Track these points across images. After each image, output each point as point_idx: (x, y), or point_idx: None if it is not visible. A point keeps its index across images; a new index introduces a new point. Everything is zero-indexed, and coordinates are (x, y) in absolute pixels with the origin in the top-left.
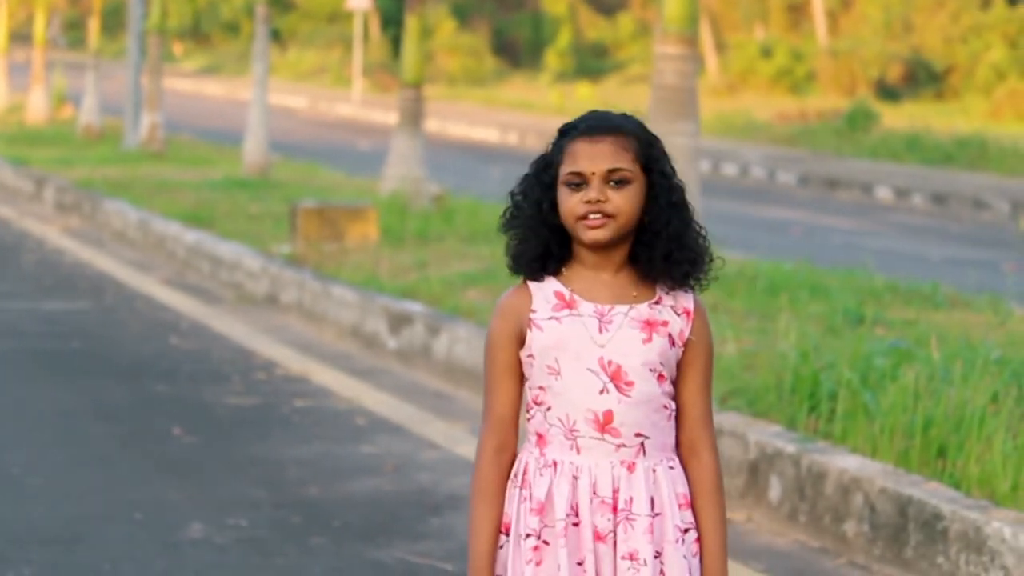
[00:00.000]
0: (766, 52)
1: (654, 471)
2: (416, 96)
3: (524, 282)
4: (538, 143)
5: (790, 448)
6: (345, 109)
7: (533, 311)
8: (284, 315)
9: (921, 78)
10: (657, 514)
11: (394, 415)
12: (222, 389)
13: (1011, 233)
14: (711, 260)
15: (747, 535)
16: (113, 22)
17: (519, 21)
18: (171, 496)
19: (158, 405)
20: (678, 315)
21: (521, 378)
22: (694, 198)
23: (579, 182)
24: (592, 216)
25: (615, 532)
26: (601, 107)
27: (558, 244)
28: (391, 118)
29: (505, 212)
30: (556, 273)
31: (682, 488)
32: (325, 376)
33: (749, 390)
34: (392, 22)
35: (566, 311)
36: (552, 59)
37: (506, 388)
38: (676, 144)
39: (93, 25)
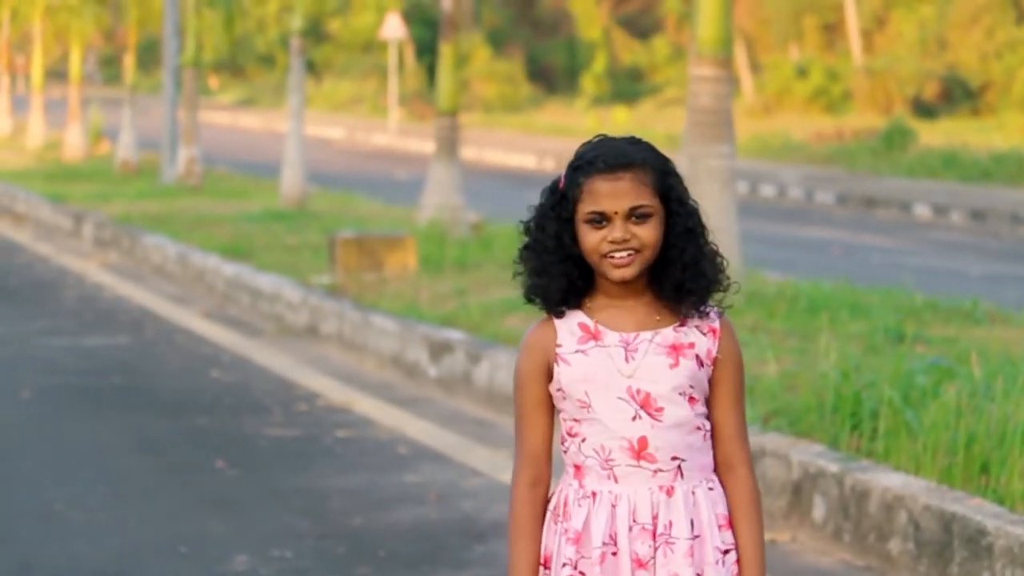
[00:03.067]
0: (801, 72)
1: (693, 493)
2: (452, 124)
3: (548, 316)
4: None
5: (833, 467)
6: (381, 139)
7: (559, 345)
8: (324, 346)
9: (957, 95)
10: (696, 536)
11: (436, 443)
12: (264, 421)
13: None
14: (727, 285)
15: (792, 555)
16: (148, 57)
17: (554, 47)
18: (215, 529)
19: (200, 438)
20: (704, 335)
21: (552, 411)
22: (730, 220)
23: (600, 220)
24: (618, 255)
25: (655, 557)
26: (639, 131)
27: (581, 277)
28: (428, 147)
29: (522, 244)
30: (579, 306)
31: (722, 509)
32: (367, 406)
33: (791, 410)
34: (427, 51)
35: (592, 343)
36: (588, 84)
37: (537, 423)
38: (713, 166)
39: (128, 60)
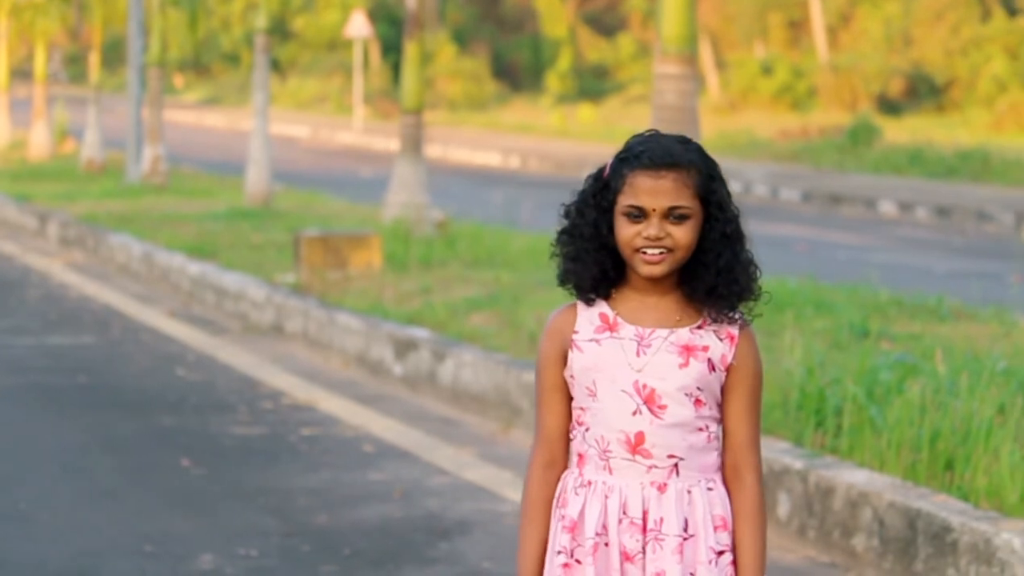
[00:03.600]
0: (766, 69)
1: (689, 492)
2: (417, 122)
3: (574, 302)
4: (540, 167)
5: (798, 464)
6: (346, 137)
7: (576, 332)
8: (290, 344)
9: (922, 92)
10: (691, 535)
11: (401, 441)
12: (229, 419)
13: (1015, 245)
14: (758, 294)
15: None
16: (113, 56)
17: (519, 44)
18: (181, 528)
19: (165, 437)
20: (721, 340)
21: (569, 396)
22: None
23: (638, 215)
24: (650, 251)
25: (644, 552)
26: (604, 129)
27: (614, 268)
28: (393, 145)
29: (560, 228)
30: (607, 296)
31: (720, 510)
32: (332, 404)
33: None
34: (392, 49)
35: (607, 333)
36: (553, 82)
37: (554, 406)
38: None
39: (93, 59)
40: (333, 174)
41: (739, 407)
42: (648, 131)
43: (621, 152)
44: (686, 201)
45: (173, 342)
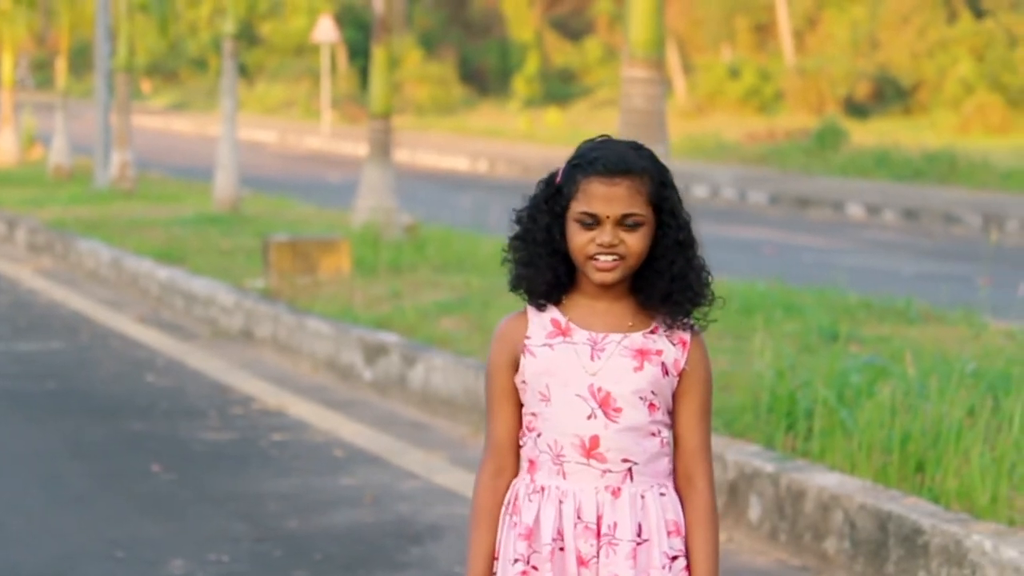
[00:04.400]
0: (733, 73)
1: (643, 497)
2: (385, 127)
3: (525, 308)
4: (508, 171)
5: (769, 467)
6: (314, 142)
7: (528, 337)
8: (259, 349)
9: (889, 94)
10: (644, 540)
11: (372, 446)
12: (199, 425)
13: (983, 246)
14: (712, 299)
15: (728, 555)
16: (80, 62)
17: (486, 49)
18: (151, 533)
19: (135, 443)
20: (673, 345)
21: (518, 403)
22: None
23: (591, 222)
24: (603, 259)
25: (598, 557)
26: (571, 133)
27: (566, 273)
28: (361, 149)
29: (513, 233)
30: (558, 302)
31: (673, 515)
32: (302, 409)
33: (726, 410)
34: (359, 53)
35: (560, 338)
36: (520, 86)
37: (504, 413)
38: None
39: (61, 65)
40: (301, 179)
41: (690, 413)
42: (600, 136)
43: (574, 158)
44: (639, 208)
45: (142, 348)
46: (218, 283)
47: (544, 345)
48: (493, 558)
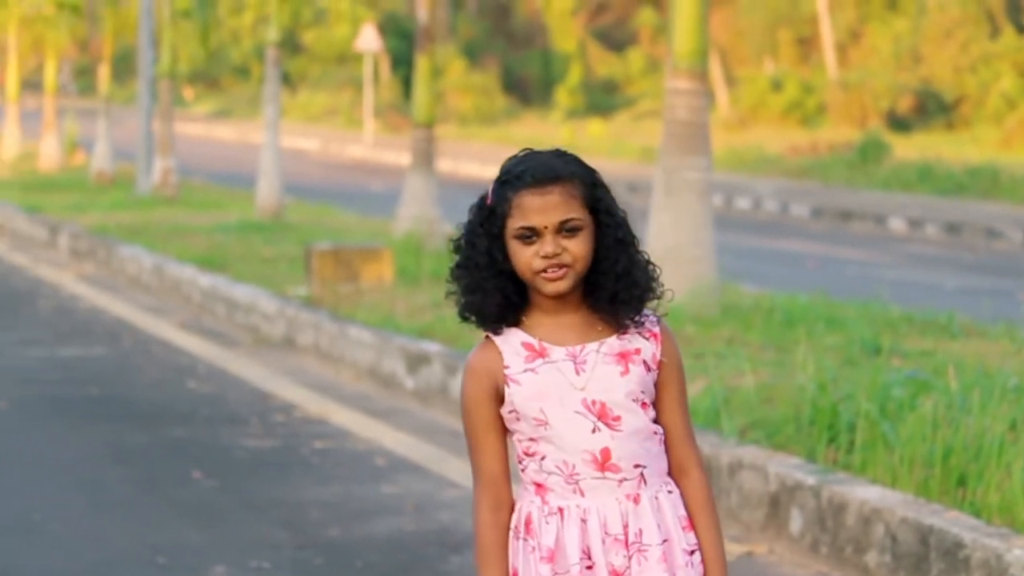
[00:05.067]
0: (776, 85)
1: (657, 498)
2: (428, 136)
3: (487, 338)
4: None
5: (810, 480)
6: (357, 150)
7: (506, 367)
8: (301, 357)
9: (932, 109)
10: (665, 540)
11: (413, 455)
12: (241, 432)
13: None
14: (661, 293)
15: (769, 567)
16: (123, 68)
17: (529, 59)
18: (192, 539)
19: (177, 449)
20: (647, 339)
21: (504, 433)
22: (706, 232)
23: (531, 235)
24: (551, 270)
25: (629, 567)
26: (614, 144)
27: (516, 293)
28: (403, 159)
29: (454, 263)
30: (517, 323)
31: (682, 511)
32: (344, 417)
33: (768, 423)
34: (402, 63)
35: (539, 360)
36: (562, 96)
37: (492, 446)
38: (689, 179)
39: (103, 71)
40: (343, 187)
41: (672, 401)
42: (522, 151)
43: (501, 175)
44: (576, 213)
45: (184, 354)
46: (260, 290)
47: (526, 371)
48: None
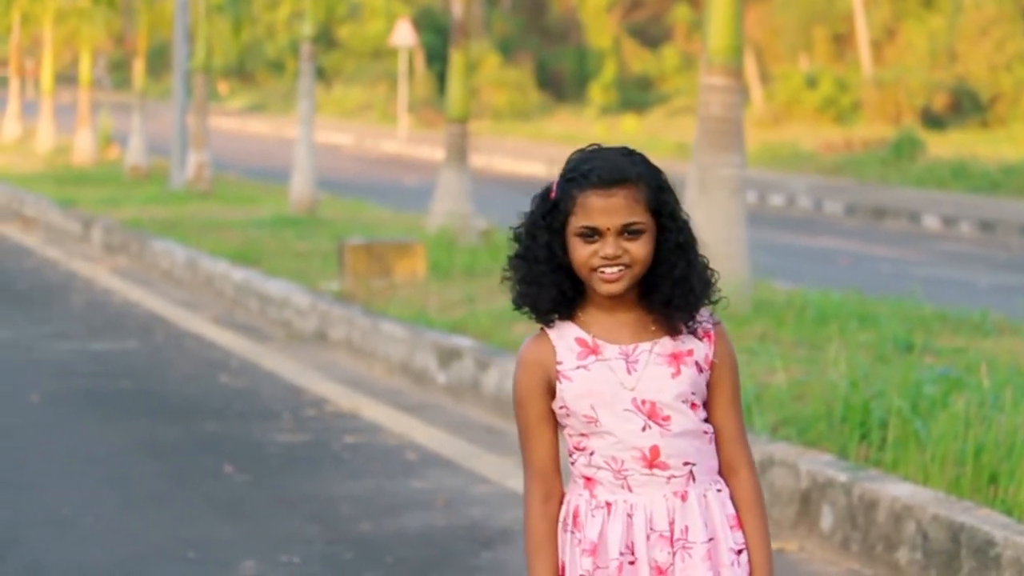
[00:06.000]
0: (811, 82)
1: (705, 496)
2: (462, 131)
3: (542, 331)
4: None
5: (842, 477)
6: (391, 145)
7: (559, 363)
8: (333, 352)
9: (966, 106)
10: (711, 539)
11: (445, 450)
12: (272, 426)
13: None
14: (716, 299)
15: (800, 564)
16: (158, 62)
17: (563, 55)
18: (224, 534)
19: (209, 443)
20: (700, 340)
21: (555, 424)
22: (740, 229)
23: (592, 234)
24: (608, 270)
25: (673, 563)
26: (648, 140)
27: (572, 288)
28: (437, 154)
29: (512, 252)
30: (571, 317)
31: (731, 510)
32: (375, 412)
33: (800, 419)
34: (437, 58)
35: (592, 358)
36: (597, 92)
37: (543, 438)
38: (723, 175)
39: (138, 66)
40: (377, 182)
41: (724, 402)
42: (590, 146)
43: (567, 172)
44: (639, 216)
45: (217, 348)
46: (293, 285)
47: (578, 368)
48: None
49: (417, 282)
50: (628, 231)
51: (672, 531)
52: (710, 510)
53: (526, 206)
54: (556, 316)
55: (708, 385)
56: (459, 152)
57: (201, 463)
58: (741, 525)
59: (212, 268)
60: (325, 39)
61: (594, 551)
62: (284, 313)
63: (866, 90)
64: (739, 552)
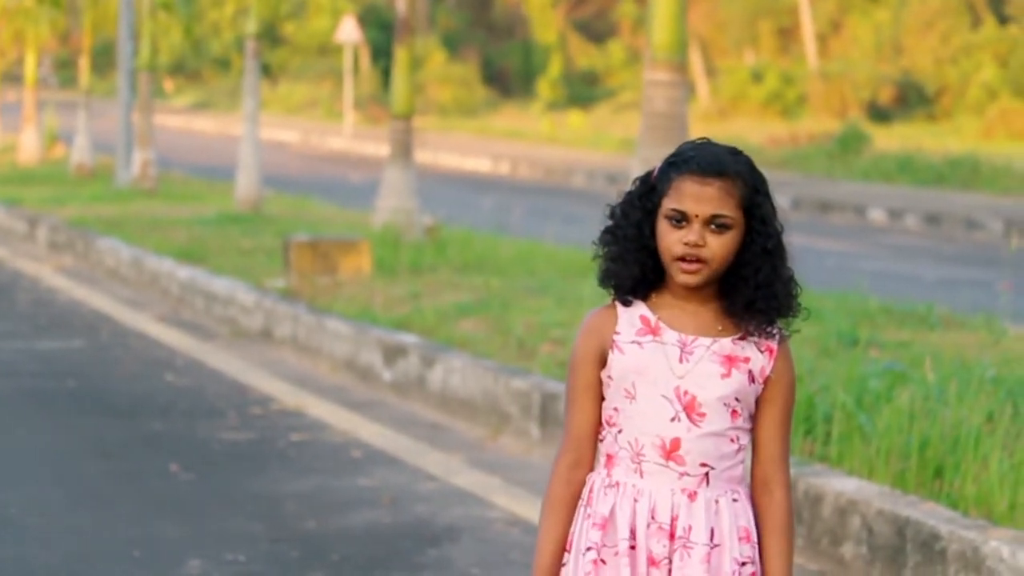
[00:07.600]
0: (756, 76)
1: (717, 502)
2: (407, 128)
3: (612, 302)
4: (530, 172)
5: None
6: (337, 142)
7: (617, 333)
8: (279, 349)
9: (912, 99)
10: (716, 545)
11: (390, 447)
12: (218, 425)
13: (1004, 252)
14: (797, 311)
15: None
16: (103, 61)
17: (509, 50)
18: (169, 533)
19: (154, 442)
20: (761, 352)
21: (600, 397)
22: None
23: (680, 219)
24: (687, 261)
25: (671, 559)
26: (593, 135)
27: (654, 271)
28: (383, 150)
29: (604, 227)
30: (645, 298)
31: (744, 522)
32: (321, 409)
33: None
34: (382, 54)
35: (649, 337)
36: (543, 88)
37: (586, 406)
38: None
39: (83, 64)
40: (323, 179)
41: (773, 421)
42: (701, 139)
43: (671, 156)
44: (729, 211)
45: (162, 347)
46: (238, 283)
47: (633, 342)
48: (563, 549)
49: (362, 279)
50: (715, 223)
51: (673, 527)
52: (719, 516)
53: (472, 202)
54: (634, 296)
55: (759, 401)
56: (404, 148)
57: (146, 462)
58: (762, 545)
59: (157, 266)
60: (270, 36)
61: (604, 526)
62: (229, 311)
63: (812, 84)
64: (743, 564)
